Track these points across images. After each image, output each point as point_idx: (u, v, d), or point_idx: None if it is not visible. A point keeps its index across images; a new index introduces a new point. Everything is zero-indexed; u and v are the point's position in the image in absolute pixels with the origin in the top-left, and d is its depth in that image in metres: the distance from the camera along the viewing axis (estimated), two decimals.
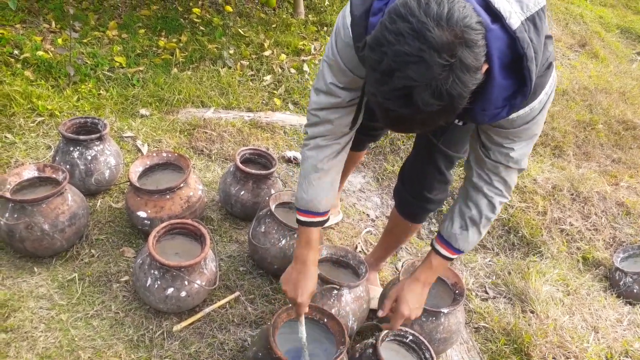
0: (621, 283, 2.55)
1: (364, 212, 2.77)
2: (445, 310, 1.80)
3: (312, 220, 1.55)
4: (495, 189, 1.43)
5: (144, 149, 2.68)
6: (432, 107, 0.97)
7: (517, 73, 1.07)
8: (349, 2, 1.26)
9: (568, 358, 2.02)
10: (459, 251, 1.53)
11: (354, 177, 3.02)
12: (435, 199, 1.81)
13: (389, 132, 2.05)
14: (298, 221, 1.57)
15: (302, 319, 1.64)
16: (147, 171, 2.22)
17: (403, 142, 3.29)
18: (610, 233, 2.93)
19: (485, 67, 1.03)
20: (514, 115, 1.21)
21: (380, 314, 1.68)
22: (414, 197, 1.80)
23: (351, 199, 2.85)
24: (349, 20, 1.24)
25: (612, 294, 2.54)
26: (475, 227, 1.49)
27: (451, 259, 1.56)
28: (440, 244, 1.54)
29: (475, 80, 0.99)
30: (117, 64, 3.28)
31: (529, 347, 2.03)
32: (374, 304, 2.03)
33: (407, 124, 1.07)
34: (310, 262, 1.58)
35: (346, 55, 1.30)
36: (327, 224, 2.46)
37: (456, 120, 1.28)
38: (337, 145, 1.49)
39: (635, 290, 2.50)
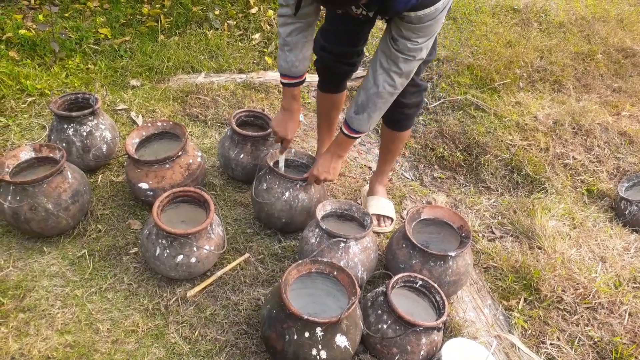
0: (627, 212, 2.56)
1: (365, 165, 2.76)
2: (452, 254, 1.82)
3: (291, 82, 1.93)
4: (388, 78, 1.71)
5: (139, 120, 2.66)
6: None
7: None
8: None
9: (577, 289, 2.05)
10: (356, 131, 1.86)
11: None
12: (410, 102, 2.03)
13: (365, 59, 2.29)
14: (282, 83, 1.94)
15: (284, 155, 2.11)
16: (145, 142, 2.20)
17: None
18: (613, 164, 2.92)
19: None
20: (421, 13, 1.51)
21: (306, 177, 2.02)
22: (392, 105, 1.92)
23: (352, 154, 2.84)
24: None
25: (618, 224, 2.55)
26: (365, 112, 1.80)
27: (352, 137, 1.90)
28: (343, 125, 1.89)
29: None
30: (102, 35, 3.21)
31: (538, 282, 2.05)
32: (391, 212, 2.33)
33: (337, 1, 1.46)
34: (294, 110, 2.00)
35: None
36: None
37: (378, 17, 1.70)
38: (299, 24, 1.78)
39: None
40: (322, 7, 1.74)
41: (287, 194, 2.03)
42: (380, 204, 2.31)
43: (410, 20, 1.55)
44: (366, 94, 1.78)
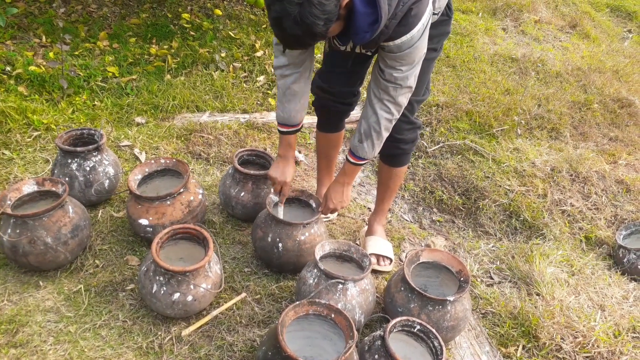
0: (625, 260, 2.56)
1: (365, 206, 2.77)
2: (451, 298, 1.81)
3: (289, 130, 2.01)
4: (384, 106, 1.79)
5: (142, 157, 2.69)
6: (296, 32, 1.39)
7: (374, 3, 1.42)
8: None
9: (576, 338, 2.02)
10: (361, 158, 1.94)
11: None
12: (406, 138, 2.09)
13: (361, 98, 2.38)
14: (279, 131, 2.02)
15: (283, 201, 2.14)
16: (147, 179, 2.23)
17: None
18: (611, 211, 2.94)
19: (346, 0, 1.41)
20: (398, 41, 1.60)
21: (320, 212, 2.11)
22: (388, 140, 1.98)
23: (352, 194, 2.85)
24: None
25: (616, 272, 2.55)
26: (369, 139, 1.87)
27: (358, 165, 1.97)
28: (349, 153, 1.97)
29: (323, 14, 1.36)
30: (110, 74, 3.29)
31: (536, 329, 2.03)
32: (389, 253, 2.32)
33: (288, 42, 1.49)
34: (290, 157, 2.07)
35: None
36: (326, 220, 2.53)
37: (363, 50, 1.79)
38: (297, 73, 1.87)
39: (639, 267, 2.51)
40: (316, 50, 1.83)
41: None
42: (379, 244, 2.32)
43: (391, 50, 1.64)
44: (367, 123, 1.85)
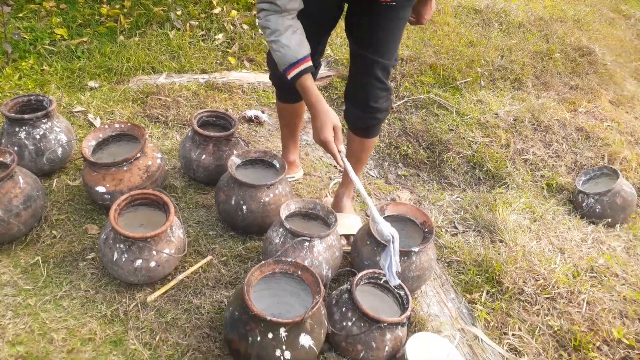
0: (584, 204, 2.63)
1: (330, 164, 2.75)
2: (415, 249, 1.83)
3: (300, 69, 1.67)
4: None
5: (97, 123, 2.58)
6: None
7: None
8: None
9: (537, 280, 2.09)
10: None
11: None
12: (382, 107, 1.95)
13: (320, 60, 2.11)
14: (291, 79, 1.69)
15: (347, 165, 1.67)
16: (102, 144, 2.14)
17: None
18: (571, 158, 3.00)
19: None
20: None
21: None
22: (364, 111, 1.92)
23: (318, 153, 2.83)
24: None
25: (576, 216, 2.62)
26: None
27: None
28: None
29: None
30: (58, 36, 3.11)
31: (499, 274, 2.09)
32: (354, 231, 2.13)
33: None
34: (319, 103, 1.68)
35: None
36: (292, 180, 2.47)
37: None
38: (284, 13, 1.63)
39: (597, 210, 2.59)
40: None
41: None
42: (348, 223, 2.21)
43: None
44: None
